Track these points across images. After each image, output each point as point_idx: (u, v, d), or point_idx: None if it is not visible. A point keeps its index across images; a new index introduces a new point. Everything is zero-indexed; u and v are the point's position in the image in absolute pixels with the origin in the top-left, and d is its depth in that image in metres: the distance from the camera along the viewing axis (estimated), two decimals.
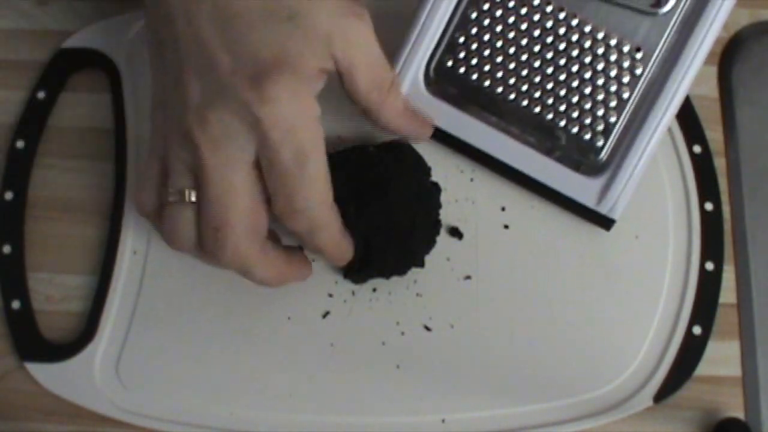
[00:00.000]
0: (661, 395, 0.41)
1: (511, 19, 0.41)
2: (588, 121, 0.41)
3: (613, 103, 0.41)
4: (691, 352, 0.42)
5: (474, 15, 0.42)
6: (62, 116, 0.46)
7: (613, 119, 0.41)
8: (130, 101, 0.45)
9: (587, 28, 0.41)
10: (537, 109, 0.41)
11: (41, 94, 0.46)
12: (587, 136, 0.41)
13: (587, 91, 0.41)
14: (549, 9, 0.41)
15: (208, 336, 0.42)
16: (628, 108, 0.41)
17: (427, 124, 0.41)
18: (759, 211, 0.44)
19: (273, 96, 0.33)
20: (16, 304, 0.43)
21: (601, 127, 0.41)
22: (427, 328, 0.42)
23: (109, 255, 0.43)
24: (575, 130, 0.41)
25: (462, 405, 0.41)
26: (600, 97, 0.41)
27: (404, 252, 0.41)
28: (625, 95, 0.41)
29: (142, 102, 0.45)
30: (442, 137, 0.42)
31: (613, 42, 0.40)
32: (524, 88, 0.42)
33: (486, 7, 0.41)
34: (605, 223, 0.42)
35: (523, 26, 0.41)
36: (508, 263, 0.43)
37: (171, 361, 0.42)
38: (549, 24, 0.41)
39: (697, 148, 0.45)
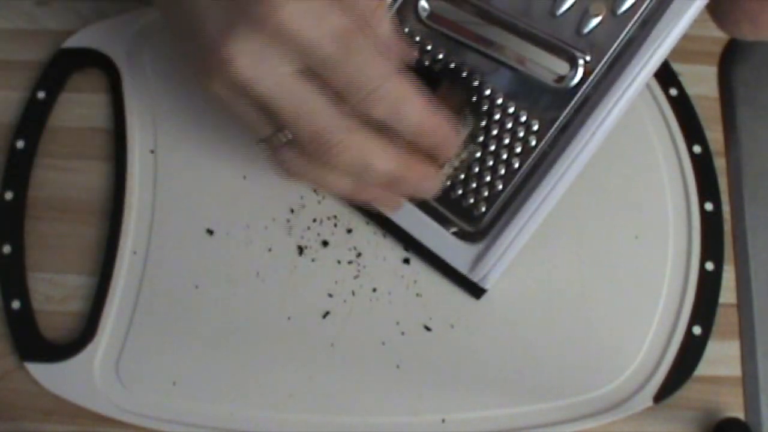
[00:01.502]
0: (661, 395, 0.41)
1: None
2: (473, 185, 0.40)
3: (501, 172, 0.40)
4: (691, 352, 0.42)
5: None
6: (62, 116, 0.46)
7: (499, 188, 0.40)
8: (130, 101, 0.45)
9: (487, 92, 0.39)
10: None
11: (41, 94, 0.45)
12: (470, 201, 0.40)
13: (477, 154, 0.40)
14: (452, 66, 0.40)
15: (208, 336, 0.42)
16: (517, 179, 0.39)
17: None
18: (759, 211, 0.44)
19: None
20: (16, 304, 0.43)
21: (485, 194, 0.40)
22: (427, 328, 0.42)
23: (109, 255, 0.43)
24: (459, 192, 0.40)
25: (462, 405, 0.41)
26: (490, 163, 0.40)
27: None
28: (515, 165, 0.39)
29: (143, 101, 0.45)
30: None
31: (510, 110, 0.39)
32: None
33: None
34: (476, 291, 0.42)
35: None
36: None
37: (171, 361, 0.42)
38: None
39: (697, 148, 0.45)
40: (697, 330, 0.42)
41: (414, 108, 0.34)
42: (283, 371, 0.41)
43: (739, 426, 0.41)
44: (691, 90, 0.45)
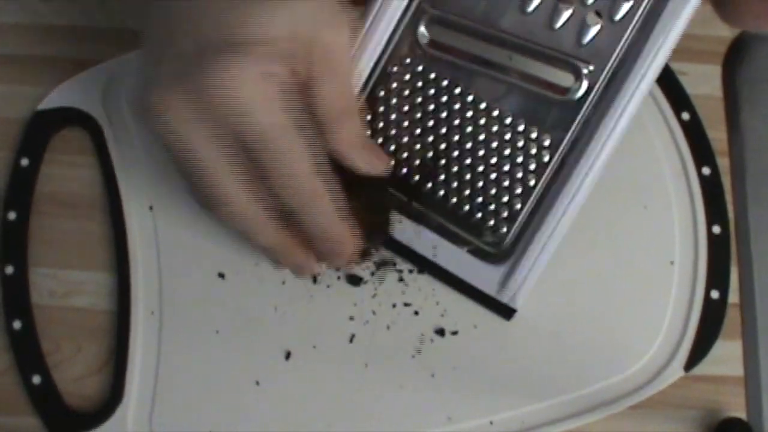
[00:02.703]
0: (690, 364, 0.42)
1: (419, 100, 0.40)
2: (492, 207, 0.40)
3: (518, 190, 0.39)
4: (712, 316, 0.43)
5: (382, 93, 0.40)
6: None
7: (518, 206, 0.40)
8: (118, 158, 0.45)
9: (495, 113, 0.39)
10: (441, 193, 0.41)
11: (24, 161, 0.44)
12: (491, 223, 0.40)
13: (493, 176, 0.40)
14: (457, 91, 0.39)
15: (238, 378, 0.42)
16: (534, 195, 0.39)
17: (383, 160, 0.39)
18: (762, 211, 0.45)
19: (227, 78, 0.32)
20: (36, 380, 0.42)
21: (505, 214, 0.40)
22: (454, 333, 0.42)
23: (122, 316, 0.42)
24: (479, 216, 0.40)
25: (505, 404, 0.41)
26: (506, 183, 0.40)
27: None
28: (532, 182, 0.39)
29: (132, 155, 0.45)
30: None
31: (520, 128, 0.39)
32: (428, 170, 0.41)
33: (394, 85, 0.40)
34: (506, 312, 0.42)
35: (430, 107, 0.40)
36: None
37: (204, 410, 0.41)
38: (456, 106, 0.40)
39: (685, 115, 0.45)
40: (715, 294, 0.43)
41: (321, 214, 0.36)
42: (319, 400, 0.41)
43: (741, 426, 0.41)
44: (695, 90, 0.45)
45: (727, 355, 0.43)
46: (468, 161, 0.40)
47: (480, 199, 0.40)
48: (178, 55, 0.33)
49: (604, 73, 0.37)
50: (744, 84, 0.46)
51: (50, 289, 0.43)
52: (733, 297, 0.43)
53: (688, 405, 0.42)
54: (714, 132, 0.45)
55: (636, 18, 0.36)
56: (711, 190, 0.44)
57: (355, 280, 0.43)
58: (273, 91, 0.33)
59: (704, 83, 0.46)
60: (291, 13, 0.33)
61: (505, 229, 0.40)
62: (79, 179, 0.45)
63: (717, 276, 0.43)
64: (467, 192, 0.40)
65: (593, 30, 0.37)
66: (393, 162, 0.40)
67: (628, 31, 0.36)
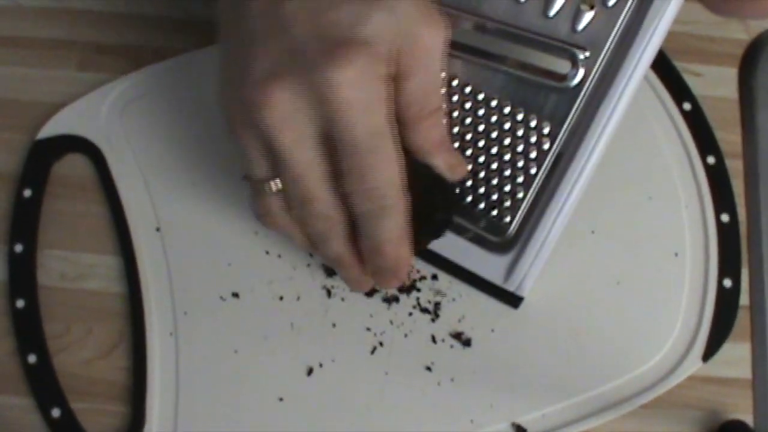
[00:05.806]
0: (708, 354, 0.42)
1: None
2: (495, 196, 0.40)
3: (520, 179, 0.40)
4: (727, 305, 0.43)
5: None
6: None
7: (520, 195, 0.40)
8: (121, 181, 0.45)
9: (494, 103, 0.39)
10: None
11: (27, 192, 0.44)
12: (494, 213, 0.40)
13: (494, 166, 0.40)
14: (455, 83, 0.40)
15: (259, 398, 0.42)
16: (536, 183, 0.39)
17: (461, 165, 0.38)
18: None
19: (344, 76, 0.32)
20: (56, 413, 0.41)
21: (508, 203, 0.40)
22: (471, 337, 0.42)
23: (138, 342, 0.42)
24: (482, 206, 0.40)
25: (528, 405, 0.41)
26: (507, 172, 0.40)
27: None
28: (533, 170, 0.39)
29: (134, 178, 0.45)
30: None
31: (519, 117, 0.39)
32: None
33: None
34: (513, 300, 0.42)
35: None
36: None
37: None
38: (455, 98, 0.40)
39: (687, 105, 0.45)
40: (728, 283, 0.43)
41: (394, 223, 0.35)
42: (342, 411, 0.41)
43: (743, 428, 0.41)
44: (710, 92, 0.46)
45: (735, 358, 0.43)
46: (469, 152, 0.40)
47: (482, 190, 0.40)
48: (282, 51, 0.32)
49: (600, 58, 0.37)
50: (760, 87, 0.46)
51: (61, 272, 0.43)
52: (743, 299, 0.43)
53: (693, 406, 0.42)
54: (728, 134, 0.46)
55: (629, 2, 0.36)
56: (717, 178, 0.45)
57: (368, 292, 0.43)
58: (381, 93, 0.33)
59: (720, 85, 0.46)
60: (395, 12, 0.32)
61: (508, 218, 0.40)
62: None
63: (728, 265, 0.43)
64: (469, 183, 0.40)
65: (587, 16, 0.37)
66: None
67: (623, 16, 0.37)
